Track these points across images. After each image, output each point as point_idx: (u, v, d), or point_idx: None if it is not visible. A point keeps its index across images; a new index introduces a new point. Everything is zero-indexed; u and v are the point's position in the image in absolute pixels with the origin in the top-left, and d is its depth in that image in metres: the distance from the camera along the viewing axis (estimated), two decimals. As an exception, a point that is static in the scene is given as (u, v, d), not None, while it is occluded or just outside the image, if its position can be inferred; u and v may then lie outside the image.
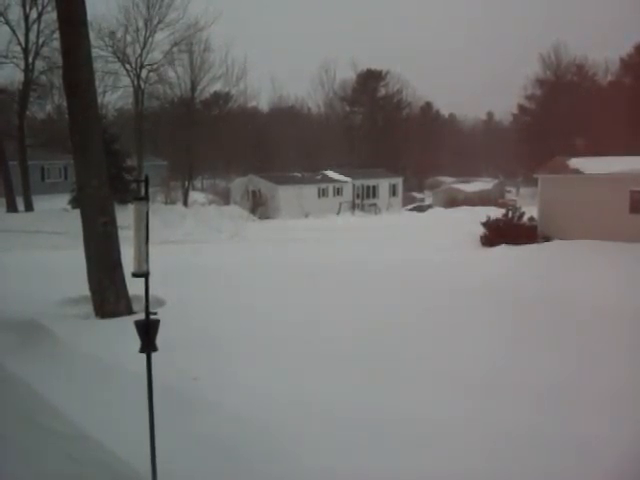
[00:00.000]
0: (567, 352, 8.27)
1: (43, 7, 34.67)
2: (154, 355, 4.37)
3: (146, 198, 4.35)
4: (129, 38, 39.42)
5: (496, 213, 25.97)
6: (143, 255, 4.29)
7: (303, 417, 5.83)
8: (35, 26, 35.11)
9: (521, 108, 73.66)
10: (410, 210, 49.51)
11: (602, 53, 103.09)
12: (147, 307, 4.33)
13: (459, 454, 5.14)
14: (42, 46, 35.51)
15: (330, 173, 47.32)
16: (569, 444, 5.32)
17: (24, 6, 34.70)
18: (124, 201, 26.25)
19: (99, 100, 36.97)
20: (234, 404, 6.06)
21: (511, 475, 4.90)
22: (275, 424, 5.64)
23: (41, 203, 35.82)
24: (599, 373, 7.31)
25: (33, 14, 34.99)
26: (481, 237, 23.92)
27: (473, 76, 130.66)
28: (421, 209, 49.08)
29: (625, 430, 5.65)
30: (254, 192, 41.95)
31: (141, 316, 4.41)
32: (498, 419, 5.86)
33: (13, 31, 34.90)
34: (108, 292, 10.15)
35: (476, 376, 7.12)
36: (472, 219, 27.94)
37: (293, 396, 6.33)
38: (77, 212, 11.10)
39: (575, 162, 23.89)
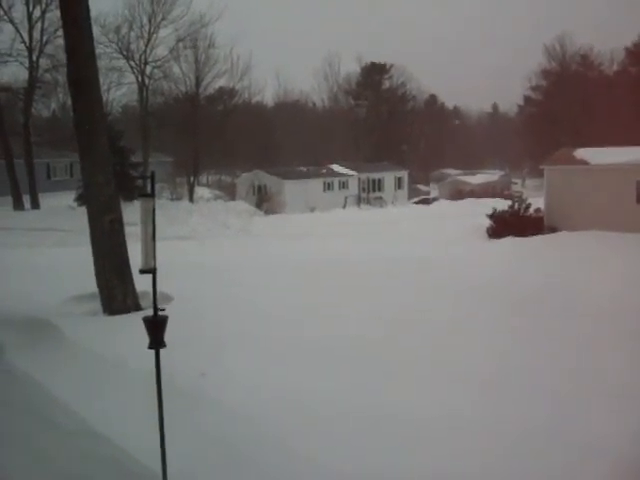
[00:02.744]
0: (578, 345, 8.20)
1: (47, 5, 34.86)
2: (162, 351, 4.37)
3: (152, 194, 4.35)
4: (133, 34, 39.46)
5: (502, 205, 25.87)
6: (150, 251, 4.29)
7: (307, 415, 5.79)
8: (39, 24, 35.25)
9: (526, 99, 73.42)
10: (416, 203, 49.43)
11: (607, 43, 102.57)
12: (155, 303, 4.33)
13: (466, 453, 5.12)
14: (46, 44, 35.69)
15: (335, 167, 47.30)
16: (579, 441, 5.28)
17: (28, 4, 34.82)
18: (130, 198, 26.34)
19: (104, 97, 37.01)
20: (239, 402, 6.05)
21: (523, 473, 4.88)
22: (279, 422, 5.62)
23: (47, 201, 35.93)
24: (611, 367, 7.23)
25: (37, 12, 35.15)
26: (487, 229, 23.86)
27: (478, 68, 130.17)
28: (427, 202, 49.00)
29: (635, 427, 5.60)
30: (260, 187, 42.00)
31: (149, 312, 4.41)
32: (509, 417, 5.83)
33: (17, 29, 35.07)
34: (116, 289, 10.16)
35: (485, 372, 7.06)
36: (478, 211, 27.85)
37: (297, 394, 6.29)
38: (83, 209, 11.12)
39: (581, 153, 23.74)
